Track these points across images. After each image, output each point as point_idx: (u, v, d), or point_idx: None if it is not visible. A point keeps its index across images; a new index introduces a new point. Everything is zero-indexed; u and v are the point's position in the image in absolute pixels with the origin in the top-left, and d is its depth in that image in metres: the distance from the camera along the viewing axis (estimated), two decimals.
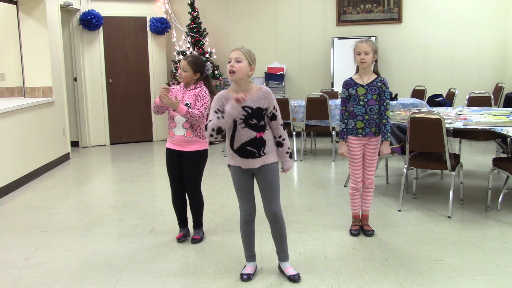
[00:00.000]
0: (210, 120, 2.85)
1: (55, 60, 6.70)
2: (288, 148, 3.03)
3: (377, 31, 8.22)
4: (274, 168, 3.00)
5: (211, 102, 3.16)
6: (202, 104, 3.54)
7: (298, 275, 3.08)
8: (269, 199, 3.00)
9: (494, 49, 8.22)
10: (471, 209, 4.38)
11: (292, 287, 2.99)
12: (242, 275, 3.10)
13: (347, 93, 3.66)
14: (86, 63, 7.85)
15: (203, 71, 3.62)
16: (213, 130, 2.80)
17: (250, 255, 3.16)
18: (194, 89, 3.61)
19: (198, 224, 3.82)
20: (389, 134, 3.65)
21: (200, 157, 3.64)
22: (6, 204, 4.91)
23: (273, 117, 2.96)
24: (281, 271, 3.15)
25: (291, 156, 3.07)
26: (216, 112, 2.85)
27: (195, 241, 3.75)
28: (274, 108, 2.95)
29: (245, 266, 3.17)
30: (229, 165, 3.05)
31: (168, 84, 3.62)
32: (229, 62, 2.88)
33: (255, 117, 2.89)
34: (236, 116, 2.83)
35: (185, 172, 3.65)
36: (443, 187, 5.16)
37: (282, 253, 3.14)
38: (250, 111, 2.87)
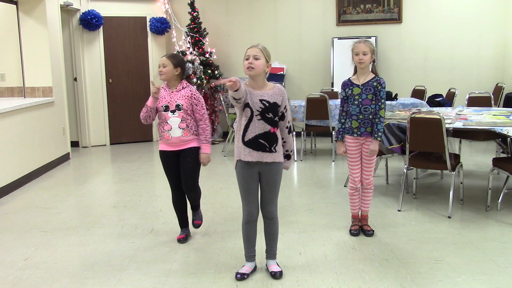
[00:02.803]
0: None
1: (55, 60, 6.70)
2: (286, 151, 3.10)
3: (377, 31, 8.22)
4: (280, 168, 3.05)
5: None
6: (202, 107, 3.57)
7: (280, 272, 3.10)
8: (268, 198, 3.05)
9: (494, 49, 8.22)
10: (471, 209, 4.38)
11: (292, 286, 2.99)
12: (236, 273, 3.11)
13: (345, 94, 3.73)
14: (86, 63, 7.85)
15: (184, 67, 3.57)
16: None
17: (250, 255, 3.17)
18: (182, 89, 3.55)
19: (195, 206, 3.82)
20: (380, 134, 3.61)
21: (197, 153, 3.61)
22: (6, 204, 4.91)
23: (282, 117, 3.02)
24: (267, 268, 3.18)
25: (289, 158, 3.13)
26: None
27: (197, 225, 3.80)
28: (284, 108, 3.01)
29: (243, 266, 3.18)
30: (237, 162, 3.01)
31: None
32: (247, 59, 2.90)
33: (272, 111, 2.94)
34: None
35: (182, 170, 3.61)
36: (443, 187, 5.16)
37: (271, 251, 3.18)
38: (267, 104, 2.92)
